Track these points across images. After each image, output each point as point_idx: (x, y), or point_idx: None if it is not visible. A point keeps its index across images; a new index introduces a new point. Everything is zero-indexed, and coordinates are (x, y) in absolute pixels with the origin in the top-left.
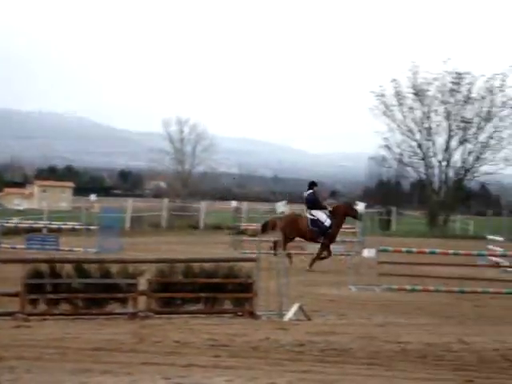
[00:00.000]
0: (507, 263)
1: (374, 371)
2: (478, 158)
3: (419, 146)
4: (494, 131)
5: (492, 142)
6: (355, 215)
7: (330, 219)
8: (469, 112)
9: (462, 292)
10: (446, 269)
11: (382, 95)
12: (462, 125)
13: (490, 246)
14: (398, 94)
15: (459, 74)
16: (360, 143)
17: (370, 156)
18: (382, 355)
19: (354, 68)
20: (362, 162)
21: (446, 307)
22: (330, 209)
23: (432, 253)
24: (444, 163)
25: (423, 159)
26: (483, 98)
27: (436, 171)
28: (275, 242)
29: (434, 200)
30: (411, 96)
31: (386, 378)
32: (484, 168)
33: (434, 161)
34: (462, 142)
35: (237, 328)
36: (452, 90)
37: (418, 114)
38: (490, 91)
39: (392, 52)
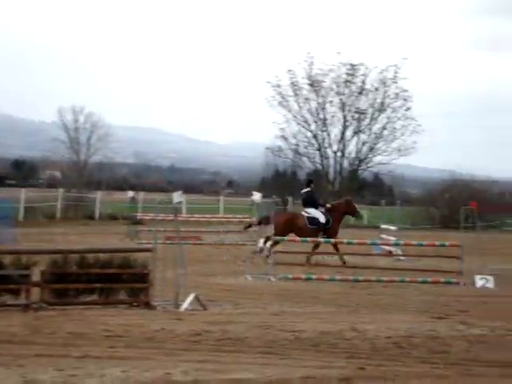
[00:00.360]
0: (400, 252)
1: (268, 360)
2: (371, 149)
3: (315, 136)
4: (387, 122)
5: (385, 132)
6: (354, 213)
7: (326, 216)
8: (363, 103)
9: (356, 281)
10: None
11: (278, 86)
12: (357, 116)
13: (384, 236)
14: (294, 85)
15: (353, 65)
16: (259, 133)
17: (266, 146)
18: (277, 344)
19: (252, 58)
20: (259, 152)
21: (341, 296)
22: (328, 206)
23: (327, 242)
24: (339, 154)
25: (319, 150)
26: (377, 89)
27: (331, 161)
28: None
29: (329, 190)
30: (307, 87)
31: (281, 366)
32: (378, 158)
33: (329, 151)
34: (357, 132)
35: (132, 318)
36: (347, 81)
37: (314, 104)
38: (384, 83)
39: (288, 42)
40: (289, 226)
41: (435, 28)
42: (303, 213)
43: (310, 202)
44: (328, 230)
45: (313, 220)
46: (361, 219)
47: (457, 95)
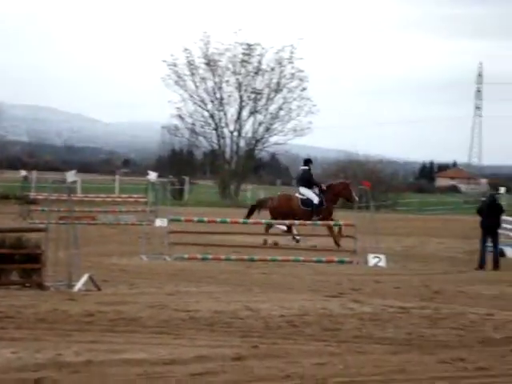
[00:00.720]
0: (295, 231)
1: (162, 339)
2: (268, 129)
3: (211, 116)
4: (284, 102)
5: (281, 113)
6: (349, 197)
7: (319, 197)
8: (259, 83)
9: (252, 260)
10: (237, 237)
11: (175, 65)
12: (253, 96)
13: None
14: (190, 64)
15: (250, 45)
16: (154, 112)
17: (162, 125)
18: (171, 323)
19: (148, 36)
20: (155, 131)
21: (236, 275)
22: (323, 187)
23: (223, 222)
24: (235, 133)
25: (215, 129)
26: (273, 69)
27: (228, 141)
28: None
29: (226, 170)
30: (203, 66)
31: (175, 345)
32: (274, 138)
33: (226, 131)
34: (253, 112)
35: (24, 299)
36: (243, 61)
37: (210, 84)
38: (280, 63)
39: (184, 21)
40: (285, 208)
41: (347, 9)
42: (297, 194)
43: (303, 180)
44: (322, 211)
45: (306, 201)
46: (356, 204)
47: (360, 76)
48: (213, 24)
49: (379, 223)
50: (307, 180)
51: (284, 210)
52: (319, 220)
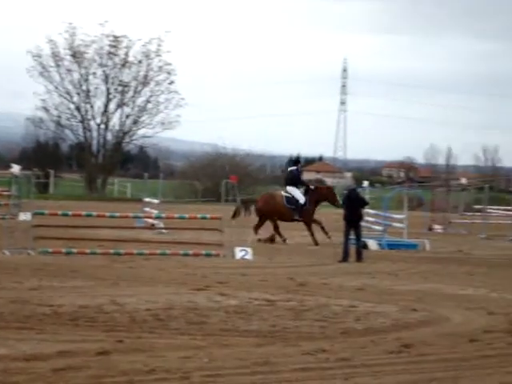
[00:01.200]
0: (162, 225)
1: (24, 335)
2: (135, 122)
3: (77, 108)
4: (151, 95)
5: (149, 105)
6: (334, 202)
7: (305, 197)
8: (126, 76)
9: (118, 254)
10: (103, 231)
11: (39, 56)
12: (120, 88)
13: (147, 209)
14: (56, 55)
15: (116, 37)
16: (20, 103)
17: (27, 117)
18: (34, 319)
19: (10, 26)
20: (20, 122)
21: (101, 269)
22: (312, 187)
23: (89, 215)
24: (102, 126)
25: (82, 122)
26: (140, 62)
27: (94, 134)
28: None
29: (93, 163)
30: (69, 58)
31: (37, 341)
32: (142, 131)
33: (93, 124)
34: (120, 105)
35: None
36: (110, 53)
37: (76, 76)
38: (147, 56)
39: (49, 11)
40: (269, 207)
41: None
42: (283, 192)
43: (292, 180)
44: (304, 210)
45: (291, 200)
46: (340, 208)
47: (232, 69)
48: (78, 15)
49: (246, 216)
50: (295, 180)
51: (268, 209)
52: (300, 221)
